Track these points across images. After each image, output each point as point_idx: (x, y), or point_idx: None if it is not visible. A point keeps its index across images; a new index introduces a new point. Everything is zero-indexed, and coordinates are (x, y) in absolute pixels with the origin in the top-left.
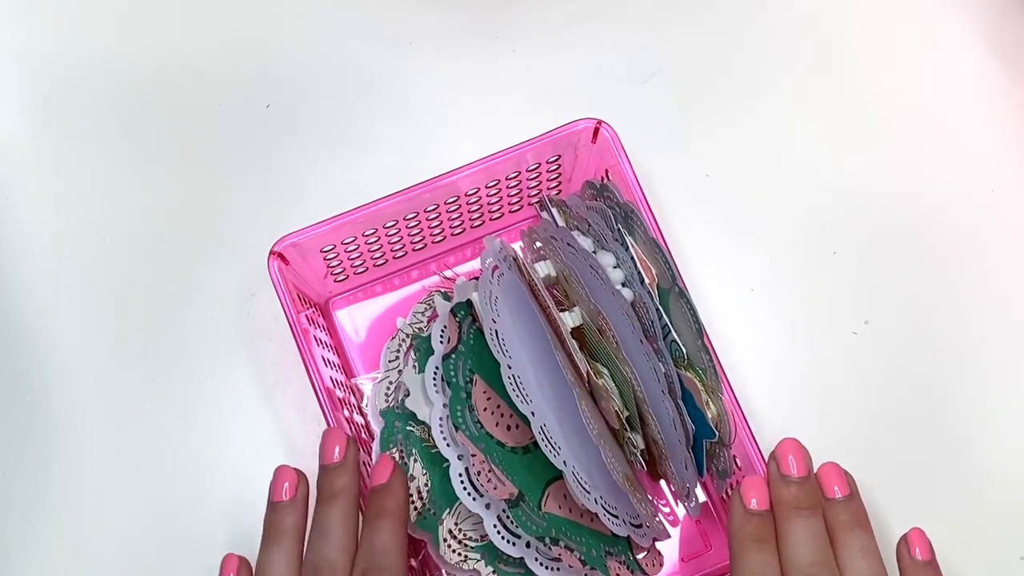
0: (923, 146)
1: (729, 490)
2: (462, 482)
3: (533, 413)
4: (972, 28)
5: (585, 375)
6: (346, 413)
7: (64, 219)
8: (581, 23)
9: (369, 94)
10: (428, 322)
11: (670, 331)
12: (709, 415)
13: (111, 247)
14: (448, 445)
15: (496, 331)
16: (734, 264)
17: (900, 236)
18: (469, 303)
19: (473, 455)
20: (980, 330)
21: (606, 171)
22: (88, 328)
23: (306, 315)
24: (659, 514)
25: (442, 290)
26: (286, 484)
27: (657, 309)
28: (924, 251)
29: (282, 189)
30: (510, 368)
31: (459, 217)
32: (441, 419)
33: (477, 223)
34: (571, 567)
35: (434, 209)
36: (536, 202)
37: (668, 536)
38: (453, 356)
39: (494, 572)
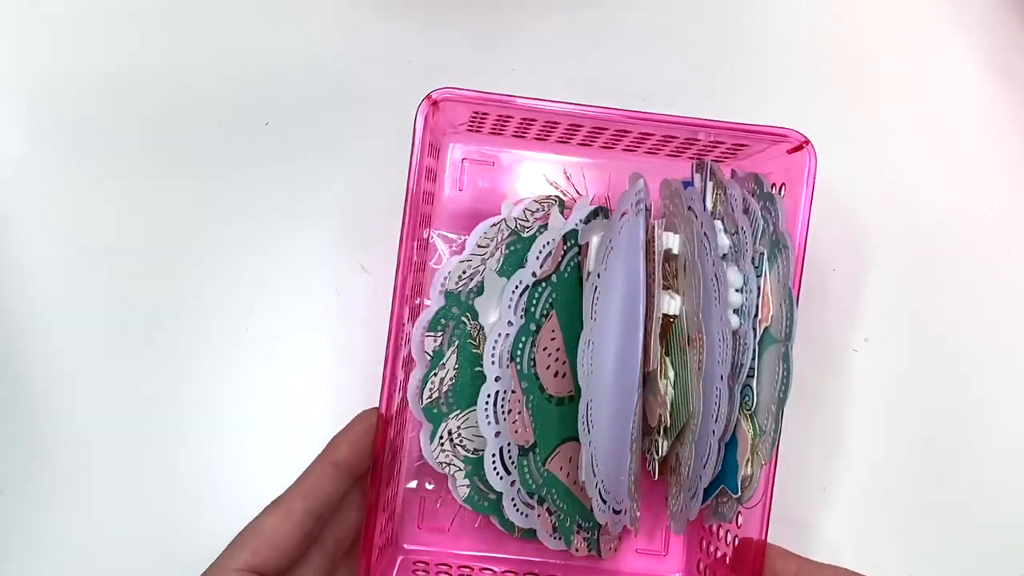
0: (922, 163)
1: (716, 528)
2: (486, 405)
3: (588, 385)
4: (970, 45)
5: (651, 369)
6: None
7: (62, 236)
8: (579, 41)
9: (368, 111)
10: (534, 223)
11: (753, 376)
12: (741, 473)
13: (110, 263)
14: (493, 363)
15: (596, 287)
16: None
17: (900, 253)
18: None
19: (513, 391)
20: (980, 347)
21: (782, 185)
22: (86, 345)
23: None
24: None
25: (562, 197)
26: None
27: (754, 351)
28: (924, 268)
29: (281, 206)
30: (591, 332)
31: (618, 142)
32: (500, 336)
33: (629, 149)
34: (539, 521)
35: (600, 130)
36: (696, 161)
37: (636, 527)
38: (543, 284)
39: (468, 486)
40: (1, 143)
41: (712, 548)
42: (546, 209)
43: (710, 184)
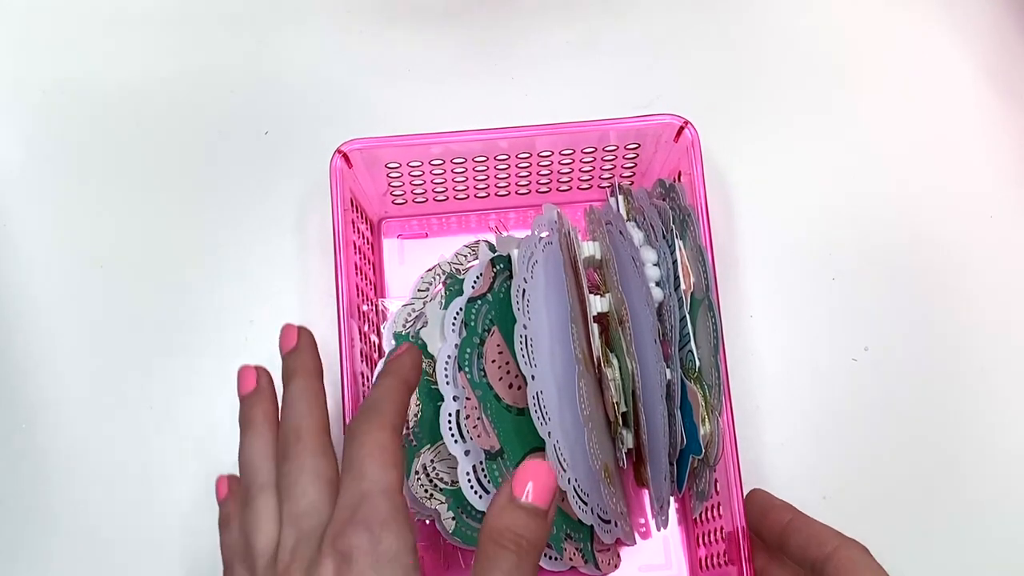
0: (921, 172)
1: (705, 513)
2: (449, 423)
3: (534, 377)
4: (969, 55)
5: (596, 360)
6: (366, 328)
7: (62, 246)
8: (580, 50)
9: (367, 121)
10: (468, 266)
11: (690, 341)
12: (701, 432)
13: (109, 274)
14: (447, 383)
15: (524, 290)
16: (733, 290)
17: (899, 262)
18: (510, 259)
19: (468, 399)
20: (980, 357)
21: (679, 174)
22: (85, 355)
23: (352, 219)
24: (629, 518)
25: (492, 241)
26: (249, 378)
27: (683, 318)
28: (923, 278)
29: (280, 216)
30: (525, 328)
31: (528, 176)
32: (448, 357)
33: (544, 188)
34: None
35: (504, 159)
36: (607, 186)
37: (633, 543)
38: (479, 301)
39: (454, 519)
40: (1, 152)
41: (708, 537)
42: (476, 251)
43: (621, 198)
